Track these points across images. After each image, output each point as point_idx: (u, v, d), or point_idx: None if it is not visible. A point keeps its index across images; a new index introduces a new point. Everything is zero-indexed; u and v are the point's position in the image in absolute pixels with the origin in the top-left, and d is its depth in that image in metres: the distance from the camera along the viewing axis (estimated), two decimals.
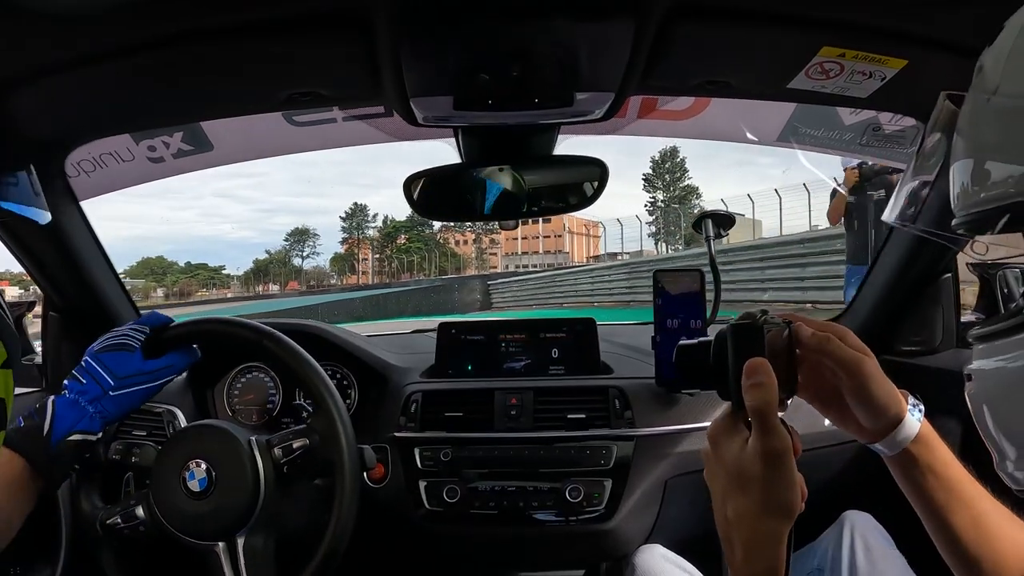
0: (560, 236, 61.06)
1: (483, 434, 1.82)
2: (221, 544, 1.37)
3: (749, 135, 2.13)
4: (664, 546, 1.70)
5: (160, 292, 73.06)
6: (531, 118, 1.58)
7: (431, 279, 52.55)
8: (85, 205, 1.85)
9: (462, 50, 1.30)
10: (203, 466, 1.37)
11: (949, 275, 2.00)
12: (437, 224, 68.15)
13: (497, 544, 1.88)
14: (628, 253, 36.77)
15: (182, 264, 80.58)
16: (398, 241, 72.85)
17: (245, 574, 1.37)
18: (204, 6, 1.14)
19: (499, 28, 1.22)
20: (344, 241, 76.37)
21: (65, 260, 1.83)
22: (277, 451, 1.40)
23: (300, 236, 77.97)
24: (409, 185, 1.67)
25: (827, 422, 1.84)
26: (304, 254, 79.01)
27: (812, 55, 1.34)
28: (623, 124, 2.05)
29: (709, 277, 1.89)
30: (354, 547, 1.41)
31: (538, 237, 63.15)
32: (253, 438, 1.41)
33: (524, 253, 62.73)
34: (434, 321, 2.18)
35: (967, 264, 1.96)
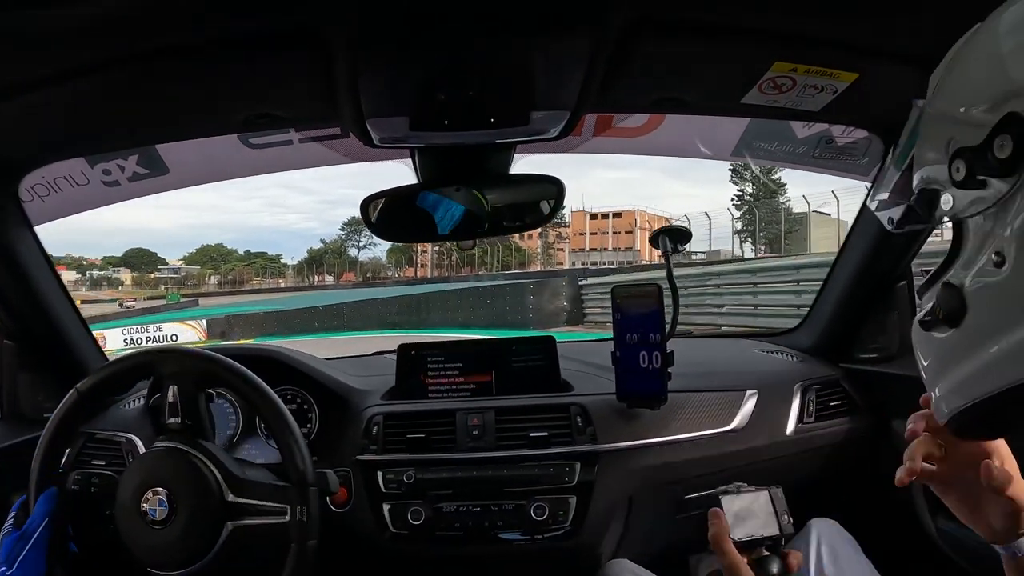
0: (630, 232, 58.94)
1: (446, 455, 1.81)
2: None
3: (704, 150, 2.16)
4: (632, 560, 1.70)
5: (214, 280, 71.94)
6: (487, 137, 1.58)
7: (492, 274, 49.89)
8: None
9: (418, 71, 1.31)
10: (162, 494, 1.36)
11: (904, 282, 2.03)
12: None
13: (464, 564, 1.87)
14: (704, 253, 33.16)
15: (241, 252, 79.75)
16: None
17: None
18: (159, 29, 1.13)
19: (455, 49, 1.23)
20: None
21: (19, 286, 1.80)
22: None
23: (357, 226, 76.29)
24: (367, 207, 1.66)
25: (789, 430, 1.88)
26: (360, 244, 77.87)
27: (765, 70, 1.37)
28: (579, 142, 2.07)
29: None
30: (320, 572, 1.40)
31: (607, 233, 61.23)
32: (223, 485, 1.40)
33: (592, 249, 60.54)
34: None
35: (921, 271, 1.99)
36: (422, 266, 71.69)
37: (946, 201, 0.74)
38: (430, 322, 27.09)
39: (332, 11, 1.10)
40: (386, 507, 1.79)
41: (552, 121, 1.51)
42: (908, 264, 2.01)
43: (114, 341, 31.50)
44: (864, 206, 2.00)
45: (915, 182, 0.81)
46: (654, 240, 1.92)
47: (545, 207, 1.66)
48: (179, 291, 65.94)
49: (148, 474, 1.39)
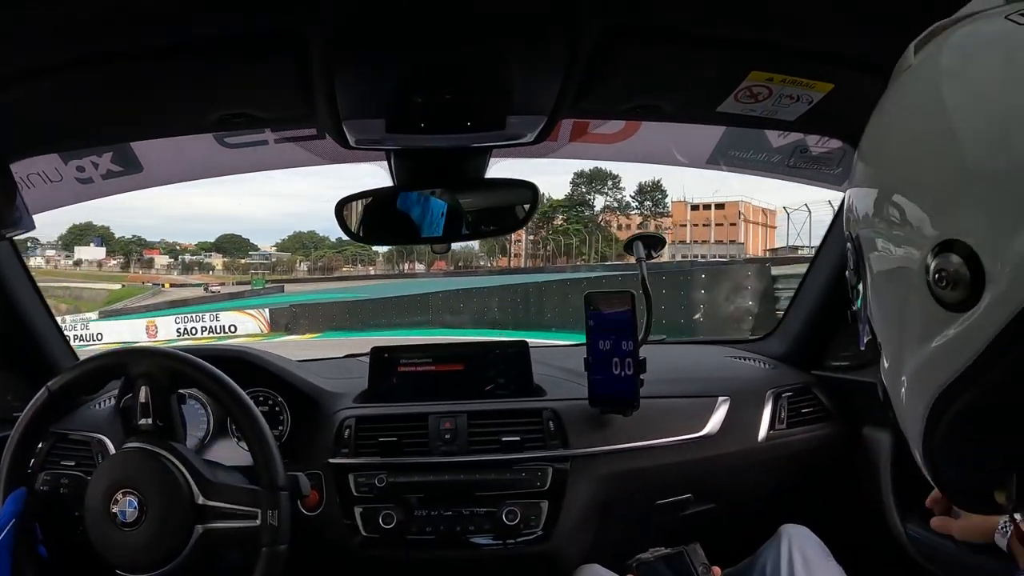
0: (734, 225, 57.32)
1: (418, 459, 1.80)
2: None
3: (679, 158, 2.17)
4: (603, 566, 1.71)
5: (304, 267, 71.16)
6: (463, 141, 1.58)
7: (590, 265, 48.21)
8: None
9: (396, 73, 1.30)
10: (132, 496, 1.34)
11: None
12: (599, 204, 65.77)
13: (435, 569, 1.86)
14: (809, 247, 30.88)
15: (333, 239, 79.07)
16: (555, 222, 68.91)
17: None
18: (135, 26, 1.12)
19: (433, 52, 1.22)
20: None
21: None
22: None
23: None
24: (341, 208, 1.65)
25: (761, 437, 1.89)
26: None
27: (741, 79, 1.38)
28: (555, 147, 2.07)
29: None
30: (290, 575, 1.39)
31: (709, 225, 59.72)
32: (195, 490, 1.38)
33: (694, 242, 58.79)
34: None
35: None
36: (515, 255, 70.51)
37: None
38: (546, 322, 20.34)
39: (310, 12, 1.10)
40: (358, 511, 1.78)
41: (528, 126, 1.52)
42: None
43: (167, 330, 30.55)
44: (837, 215, 2.01)
45: None
46: (628, 246, 1.92)
47: (520, 212, 1.65)
48: (264, 277, 65.18)
49: (118, 475, 1.37)
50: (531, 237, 69.92)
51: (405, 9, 1.12)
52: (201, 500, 1.38)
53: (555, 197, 69.35)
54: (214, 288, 57.20)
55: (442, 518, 1.77)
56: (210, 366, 1.45)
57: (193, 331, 31.17)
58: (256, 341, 25.63)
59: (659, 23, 1.23)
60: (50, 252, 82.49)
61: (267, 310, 32.94)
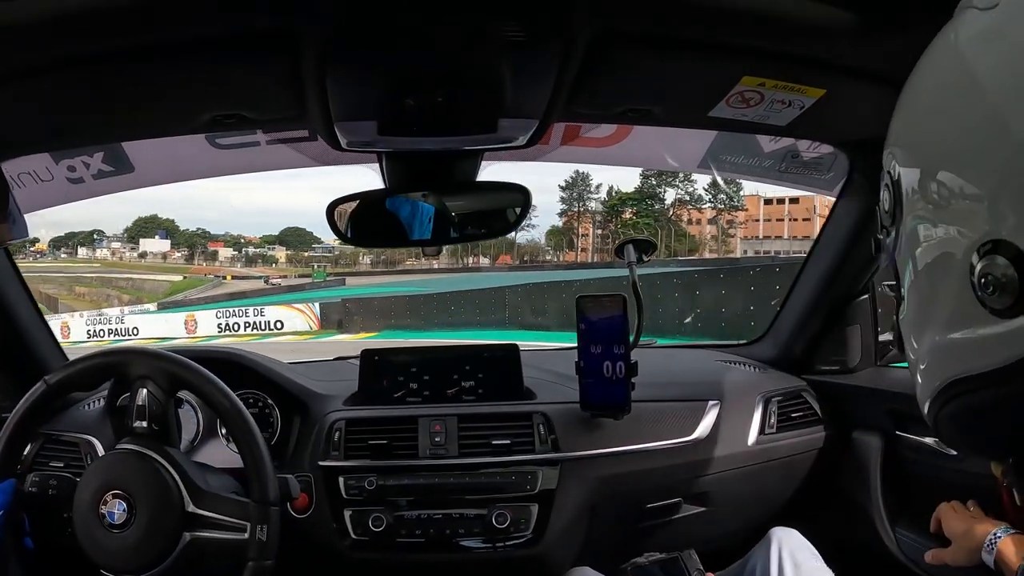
0: (808, 220, 53.74)
1: (408, 461, 1.80)
2: None
3: (671, 162, 2.18)
4: (594, 569, 1.71)
5: (367, 260, 70.87)
6: (455, 144, 1.58)
7: (664, 260, 45.61)
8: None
9: (388, 75, 1.30)
10: (120, 498, 1.33)
11: (867, 296, 2.06)
12: (670, 198, 63.25)
13: (425, 572, 1.86)
14: None
15: None
16: (624, 216, 66.59)
17: None
18: (127, 25, 1.12)
19: (425, 54, 1.22)
20: (563, 213, 71.06)
21: None
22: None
23: None
24: (332, 210, 1.65)
25: (751, 441, 1.90)
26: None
27: (733, 84, 1.38)
28: (547, 151, 2.08)
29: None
30: None
31: (783, 220, 58.00)
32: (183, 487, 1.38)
33: (766, 237, 57.65)
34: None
35: (883, 284, 2.02)
36: (583, 250, 69.16)
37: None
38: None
39: (302, 13, 1.10)
40: (347, 513, 1.78)
41: (520, 129, 1.51)
42: (871, 279, 2.04)
43: (208, 325, 28.95)
44: (828, 222, 2.02)
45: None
46: (619, 250, 1.92)
47: (511, 215, 1.65)
48: (325, 269, 64.11)
49: (109, 477, 1.36)
50: (599, 231, 68.42)
51: (397, 11, 1.11)
52: (191, 508, 1.37)
53: (624, 190, 67.91)
54: (274, 280, 56.69)
55: (432, 521, 1.77)
56: (210, 374, 1.44)
57: (235, 327, 29.26)
58: (303, 340, 24.71)
59: (651, 28, 1.22)
60: (116, 244, 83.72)
61: (317, 305, 30.17)
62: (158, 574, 1.34)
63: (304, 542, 1.78)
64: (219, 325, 29.13)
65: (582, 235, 70.11)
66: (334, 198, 1.64)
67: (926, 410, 0.71)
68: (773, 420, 2.00)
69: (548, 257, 71.78)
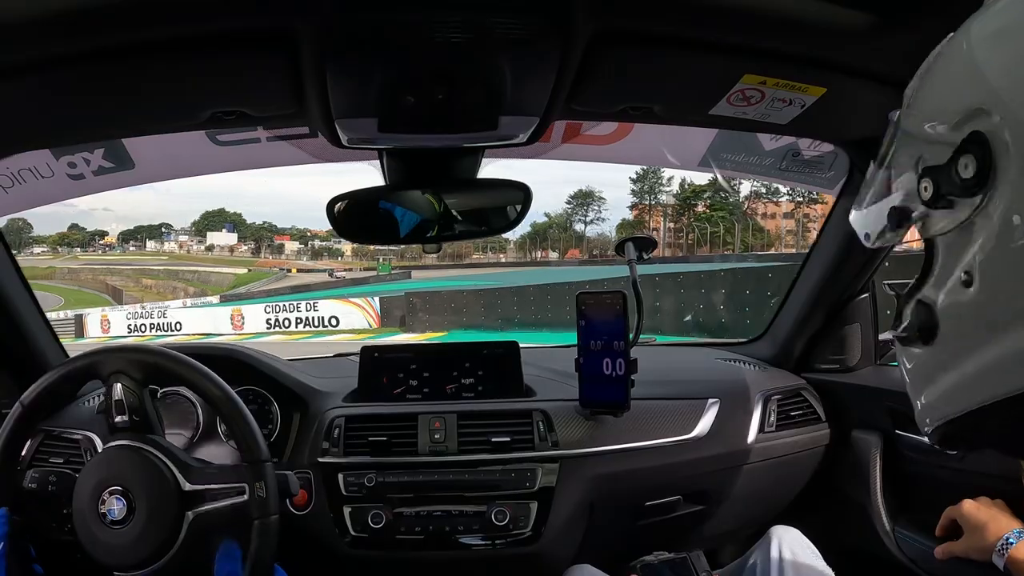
0: None
1: (407, 458, 1.80)
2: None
3: (671, 160, 2.17)
4: (593, 566, 1.71)
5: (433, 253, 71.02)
6: (455, 141, 1.58)
7: (739, 254, 45.59)
8: None
9: (388, 72, 1.29)
10: (120, 494, 1.33)
11: (866, 295, 2.06)
12: (744, 190, 62.43)
13: (424, 569, 1.86)
14: None
15: None
16: (697, 209, 66.04)
17: None
18: (127, 22, 1.11)
19: (426, 51, 1.22)
20: (633, 207, 70.41)
21: None
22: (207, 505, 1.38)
23: (584, 199, 73.27)
24: (332, 206, 1.65)
25: (751, 439, 1.90)
26: (588, 219, 74.36)
27: (734, 82, 1.37)
28: (548, 148, 2.07)
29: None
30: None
31: None
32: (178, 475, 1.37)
33: None
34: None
35: (884, 284, 2.02)
36: None
37: (916, 219, 0.74)
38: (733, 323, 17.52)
39: (303, 11, 1.10)
40: (346, 510, 1.78)
41: (521, 126, 1.51)
42: (871, 278, 2.04)
43: (256, 322, 27.28)
44: (828, 220, 2.02)
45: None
46: (619, 248, 1.92)
47: (511, 212, 1.65)
48: (391, 262, 63.74)
49: (103, 474, 1.36)
50: (671, 225, 67.39)
51: (397, 8, 1.11)
52: (187, 487, 1.37)
53: (697, 182, 67.03)
54: (339, 273, 56.23)
55: (431, 518, 1.77)
56: (181, 355, 1.44)
57: (286, 322, 27.24)
58: (359, 339, 21.11)
59: (652, 26, 1.22)
60: (183, 237, 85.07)
61: (376, 300, 27.37)
62: (170, 560, 1.34)
63: (303, 539, 1.78)
64: (268, 321, 27.44)
65: (653, 229, 68.84)
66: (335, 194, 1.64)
67: (961, 419, 0.69)
68: (773, 419, 2.00)
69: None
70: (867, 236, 0.84)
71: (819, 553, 1.63)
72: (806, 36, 1.25)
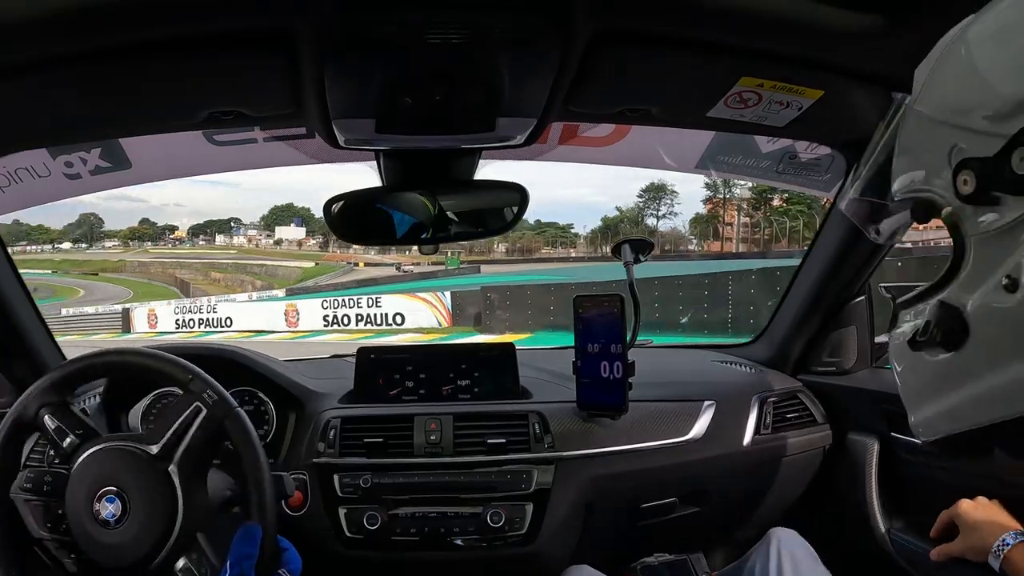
0: None
1: (403, 460, 1.80)
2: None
3: (669, 162, 2.17)
4: (592, 567, 1.71)
5: (502, 247, 70.29)
6: (453, 143, 1.58)
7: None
8: None
9: (386, 73, 1.29)
10: (114, 494, 1.33)
11: (863, 298, 2.06)
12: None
13: (419, 570, 1.86)
14: None
15: (531, 222, 77.27)
16: (773, 203, 64.31)
17: None
18: (126, 22, 1.12)
19: (424, 52, 1.22)
20: (707, 200, 69.37)
21: None
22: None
23: (656, 193, 72.40)
24: (329, 207, 1.65)
25: (747, 441, 1.90)
26: (659, 213, 73.06)
27: (731, 85, 1.38)
28: (545, 150, 2.07)
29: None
30: None
31: None
32: (173, 467, 1.37)
33: (926, 228, 55.44)
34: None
35: (880, 286, 2.03)
36: (727, 239, 67.40)
37: (948, 215, 0.68)
38: None
39: (301, 11, 1.10)
40: (342, 511, 1.78)
41: (518, 128, 1.51)
42: (867, 280, 2.04)
43: (312, 318, 25.23)
44: (825, 221, 2.03)
45: (901, 184, 0.75)
46: (616, 250, 1.93)
47: (508, 214, 1.65)
48: (459, 256, 62.00)
49: (95, 474, 1.36)
50: (745, 219, 66.76)
51: (396, 9, 1.11)
52: (155, 449, 1.38)
53: None
54: (407, 267, 55.62)
55: (426, 519, 1.77)
56: (160, 352, 1.45)
57: (343, 320, 24.73)
58: (431, 340, 18.99)
59: (650, 28, 1.22)
60: (252, 232, 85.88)
61: (447, 295, 24.07)
62: (182, 528, 1.35)
63: (299, 540, 1.77)
64: (325, 318, 25.02)
65: (727, 223, 68.20)
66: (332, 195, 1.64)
67: (998, 420, 0.65)
68: (769, 420, 2.00)
69: (691, 247, 69.86)
70: (877, 232, 0.80)
71: (817, 556, 1.63)
72: (803, 38, 1.25)
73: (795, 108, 1.47)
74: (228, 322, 27.02)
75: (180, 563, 1.35)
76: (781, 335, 2.24)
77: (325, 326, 24.61)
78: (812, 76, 1.38)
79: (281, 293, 35.02)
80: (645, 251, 1.92)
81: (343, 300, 25.27)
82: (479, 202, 1.69)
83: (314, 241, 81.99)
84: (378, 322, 24.26)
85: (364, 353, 2.02)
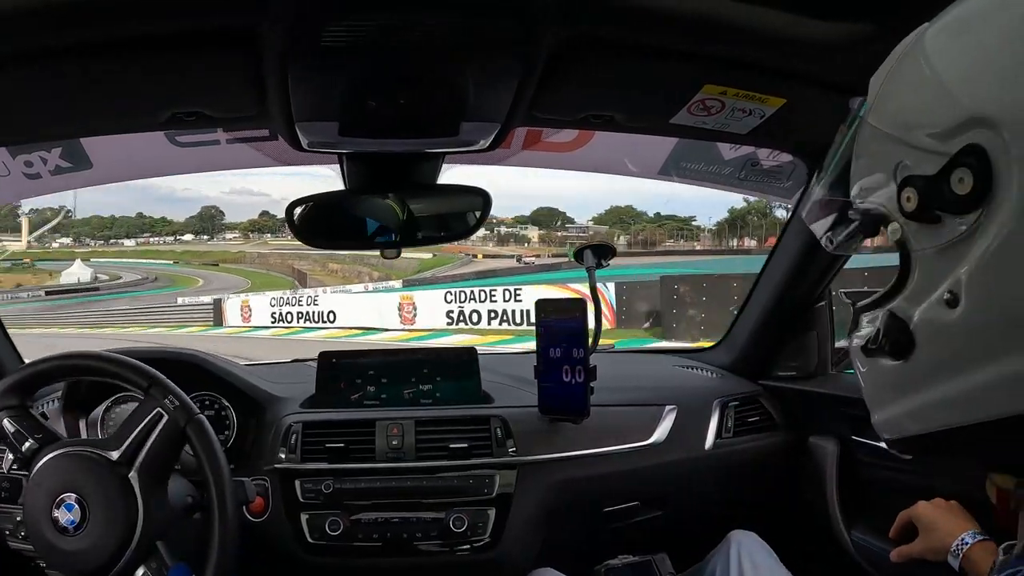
0: None
1: (365, 464, 1.79)
2: None
3: (632, 168, 2.18)
4: (556, 570, 1.72)
5: (623, 240, 68.79)
6: (416, 146, 1.58)
7: None
8: None
9: (350, 76, 1.29)
10: (73, 500, 1.31)
11: (823, 303, 2.09)
12: None
13: None
14: None
15: (651, 215, 75.71)
16: None
17: None
18: (86, 19, 1.10)
19: (389, 55, 1.22)
20: None
21: None
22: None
23: None
24: (292, 210, 1.64)
25: (708, 445, 1.91)
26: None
27: (695, 92, 1.39)
28: (508, 155, 2.07)
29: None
30: None
31: None
32: (133, 474, 1.35)
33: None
34: None
35: (840, 292, 2.06)
36: None
37: (894, 230, 0.69)
38: None
39: (265, 12, 1.09)
40: (304, 517, 1.76)
41: (482, 133, 1.52)
42: (828, 286, 2.07)
43: (431, 315, 20.05)
44: (785, 229, 2.05)
45: (853, 193, 0.76)
46: (579, 255, 1.93)
47: (471, 218, 1.66)
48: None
49: (54, 481, 1.34)
50: None
51: (361, 12, 1.11)
52: (115, 455, 1.37)
53: None
54: (527, 259, 53.89)
55: (389, 525, 1.76)
56: (122, 356, 1.44)
57: (472, 316, 19.61)
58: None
59: (615, 35, 1.23)
60: None
61: (611, 287, 17.46)
62: (143, 536, 1.33)
63: (260, 546, 1.76)
64: (449, 313, 20.22)
65: None
66: (295, 198, 1.63)
67: (937, 434, 0.67)
68: (730, 425, 2.02)
69: None
70: (829, 240, 0.81)
71: (777, 557, 1.65)
72: (767, 47, 1.27)
73: (757, 116, 1.49)
74: (330, 317, 23.12)
75: (140, 571, 1.33)
76: (743, 340, 2.26)
77: (449, 324, 19.98)
78: (775, 84, 1.40)
79: (398, 284, 31.38)
80: (607, 256, 1.92)
81: (471, 292, 20.27)
82: (443, 206, 1.70)
83: None
84: (518, 320, 18.76)
85: (326, 357, 2.01)
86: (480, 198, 1.64)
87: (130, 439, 1.36)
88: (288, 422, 1.85)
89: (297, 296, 25.88)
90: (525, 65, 1.23)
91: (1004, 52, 0.59)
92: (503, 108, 1.39)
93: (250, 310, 25.72)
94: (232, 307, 27.19)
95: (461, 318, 19.86)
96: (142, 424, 1.37)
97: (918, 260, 0.67)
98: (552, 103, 1.43)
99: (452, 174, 1.69)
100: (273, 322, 24.32)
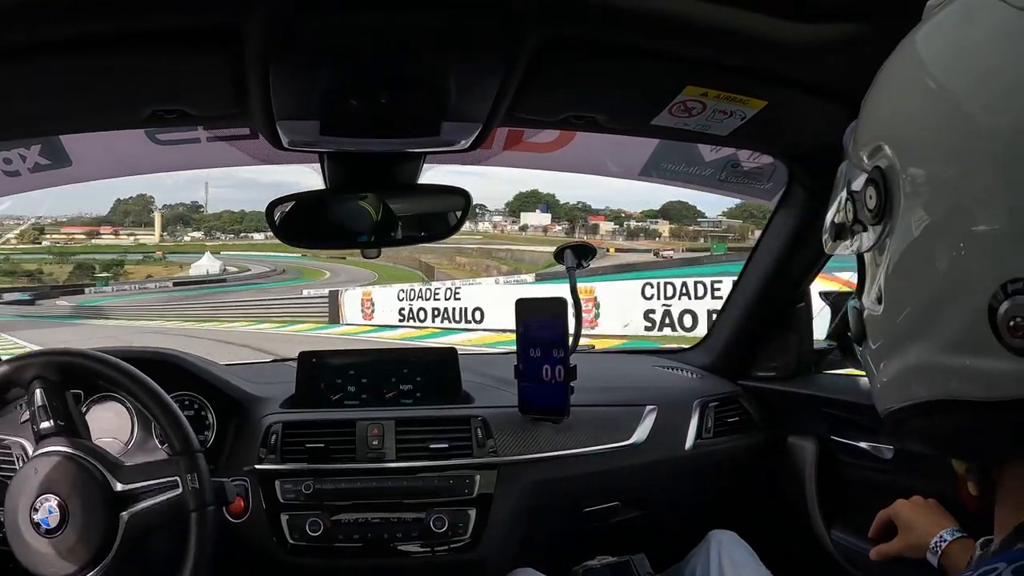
0: None
1: (345, 465, 1.79)
2: None
3: (613, 169, 2.19)
4: (536, 570, 1.72)
5: (756, 235, 68.52)
6: (397, 146, 1.57)
7: None
8: None
9: (332, 75, 1.29)
10: (53, 502, 1.31)
11: (803, 304, 2.10)
12: None
13: None
14: None
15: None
16: None
17: None
18: (65, 15, 1.09)
19: (371, 55, 1.21)
20: None
21: None
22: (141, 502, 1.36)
23: None
24: (272, 210, 1.63)
25: (688, 445, 1.93)
26: None
27: (676, 93, 1.40)
28: (489, 155, 2.08)
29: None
30: None
31: None
32: (126, 515, 1.35)
33: None
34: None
35: (819, 293, 2.07)
36: None
37: (846, 235, 0.75)
38: None
39: (248, 10, 1.09)
40: (284, 518, 1.75)
41: (463, 133, 1.51)
42: (807, 287, 2.09)
43: (631, 315, 14.61)
44: (766, 230, 2.06)
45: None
46: (559, 255, 1.93)
47: (452, 218, 1.66)
48: (724, 242, 56.86)
49: (32, 483, 1.33)
50: None
51: (343, 11, 1.11)
52: (119, 487, 1.35)
53: None
54: (665, 253, 52.52)
55: (369, 525, 1.75)
56: (99, 353, 1.44)
57: (667, 317, 14.48)
58: None
59: (596, 35, 1.23)
60: (497, 218, 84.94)
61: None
62: (110, 563, 1.32)
63: (240, 547, 1.75)
64: (649, 321, 14.91)
65: None
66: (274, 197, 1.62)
67: (888, 415, 0.72)
68: (710, 425, 2.03)
69: None
70: (825, 242, 0.86)
71: (757, 557, 1.66)
72: (748, 49, 1.27)
73: (738, 117, 1.49)
74: (477, 316, 18.67)
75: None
76: (722, 341, 2.27)
77: (649, 331, 14.82)
78: (756, 86, 1.40)
79: (530, 278, 27.87)
80: (587, 256, 1.93)
81: (660, 286, 15.02)
82: (423, 206, 1.70)
83: (560, 227, 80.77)
84: (690, 321, 14.37)
85: (306, 357, 2.00)
86: (461, 198, 1.64)
87: (138, 485, 1.36)
88: (268, 422, 1.84)
89: (432, 289, 21.52)
90: (507, 65, 1.23)
91: (896, 86, 0.67)
92: (484, 108, 1.38)
93: (373, 305, 22.49)
94: (351, 301, 23.99)
95: (663, 321, 14.70)
96: (155, 480, 1.37)
97: (865, 262, 0.74)
98: (534, 103, 1.43)
99: (433, 174, 1.70)
100: (401, 320, 20.92)
